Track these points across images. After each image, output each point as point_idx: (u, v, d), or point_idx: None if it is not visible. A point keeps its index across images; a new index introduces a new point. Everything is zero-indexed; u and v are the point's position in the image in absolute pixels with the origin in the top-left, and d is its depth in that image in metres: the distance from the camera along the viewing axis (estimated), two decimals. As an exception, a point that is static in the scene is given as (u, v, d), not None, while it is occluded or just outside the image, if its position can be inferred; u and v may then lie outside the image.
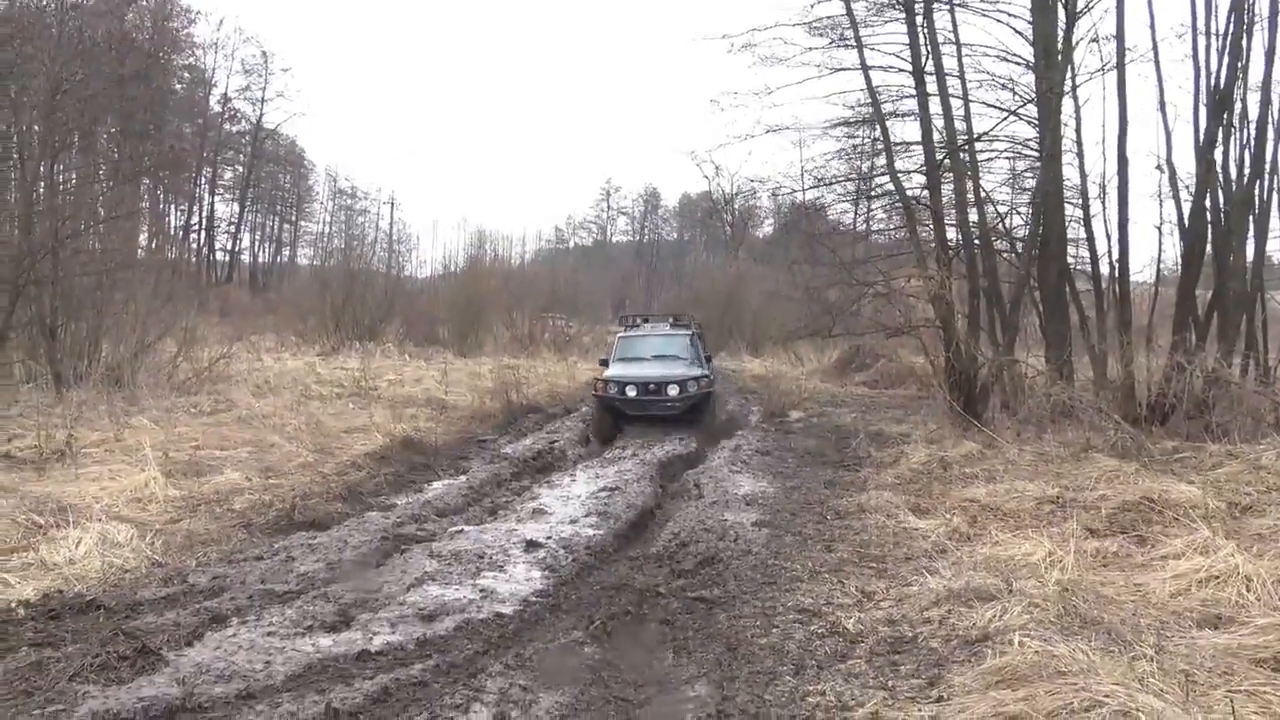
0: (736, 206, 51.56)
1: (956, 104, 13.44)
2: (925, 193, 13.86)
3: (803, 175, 31.59)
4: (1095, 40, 13.01)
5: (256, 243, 55.61)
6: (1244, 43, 11.48)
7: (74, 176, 18.68)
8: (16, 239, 13.32)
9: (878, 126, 14.41)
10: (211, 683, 4.03)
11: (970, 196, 13.30)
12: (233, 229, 52.49)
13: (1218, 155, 11.66)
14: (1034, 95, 13.17)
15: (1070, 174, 13.63)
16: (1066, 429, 10.22)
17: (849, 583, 5.49)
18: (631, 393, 12.71)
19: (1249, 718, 3.33)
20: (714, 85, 64.42)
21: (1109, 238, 12.84)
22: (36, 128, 14.62)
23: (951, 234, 13.57)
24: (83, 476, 7.95)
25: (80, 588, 5.34)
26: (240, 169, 52.01)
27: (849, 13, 13.14)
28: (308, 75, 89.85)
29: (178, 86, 44.88)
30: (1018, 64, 13.91)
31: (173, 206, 46.85)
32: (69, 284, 13.72)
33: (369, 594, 5.40)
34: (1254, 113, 11.68)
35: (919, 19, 12.93)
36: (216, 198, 51.13)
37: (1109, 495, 7.07)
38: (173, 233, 43.51)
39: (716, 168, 49.97)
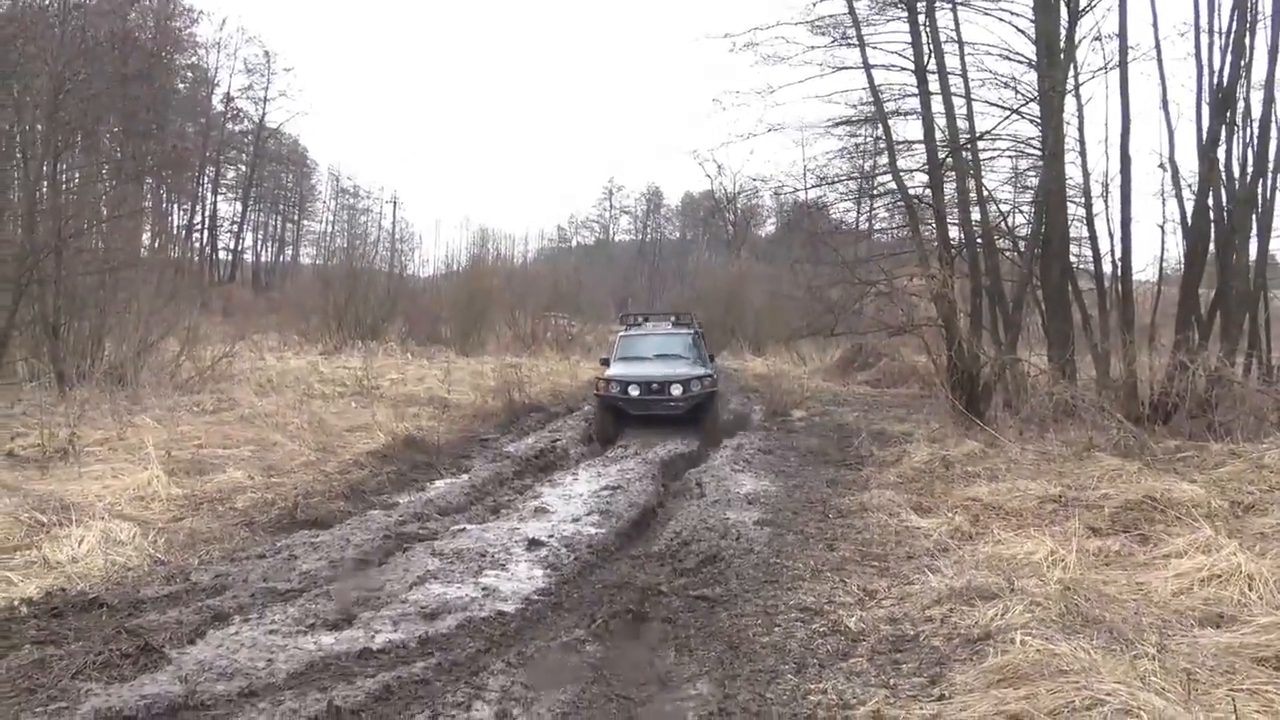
0: (739, 205, 51.57)
1: (959, 102, 13.47)
2: (927, 191, 13.85)
3: (805, 174, 31.76)
4: (1098, 38, 13.03)
5: (259, 242, 55.73)
6: (1247, 41, 11.48)
7: (77, 176, 18.71)
8: (20, 238, 13.33)
9: (880, 125, 14.42)
10: (214, 680, 4.03)
11: (973, 195, 13.31)
12: (235, 228, 52.63)
13: (1220, 153, 11.67)
14: (1036, 94, 13.16)
15: (1073, 172, 13.65)
16: (1069, 428, 10.21)
17: (851, 581, 5.49)
18: (634, 392, 12.65)
19: (1251, 716, 3.33)
20: (716, 84, 64.58)
21: (1111, 236, 12.86)
22: (39, 127, 14.63)
23: (954, 233, 13.58)
24: (85, 475, 7.96)
25: (83, 586, 5.35)
26: (243, 168, 52.06)
27: (851, 11, 13.14)
28: (310, 75, 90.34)
29: (180, 86, 44.91)
30: (1020, 62, 13.92)
31: (175, 206, 46.96)
32: (72, 283, 13.74)
33: (371, 592, 5.40)
34: (1257, 111, 11.71)
35: (921, 17, 12.93)
36: (219, 197, 51.29)
37: (1111, 494, 7.07)
38: (176, 232, 43.65)
39: (719, 167, 49.90)
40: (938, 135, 13.29)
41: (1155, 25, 12.09)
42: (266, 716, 3.71)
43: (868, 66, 13.32)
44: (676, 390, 12.68)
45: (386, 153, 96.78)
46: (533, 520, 7.61)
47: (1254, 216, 11.84)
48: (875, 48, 13.65)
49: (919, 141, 14.17)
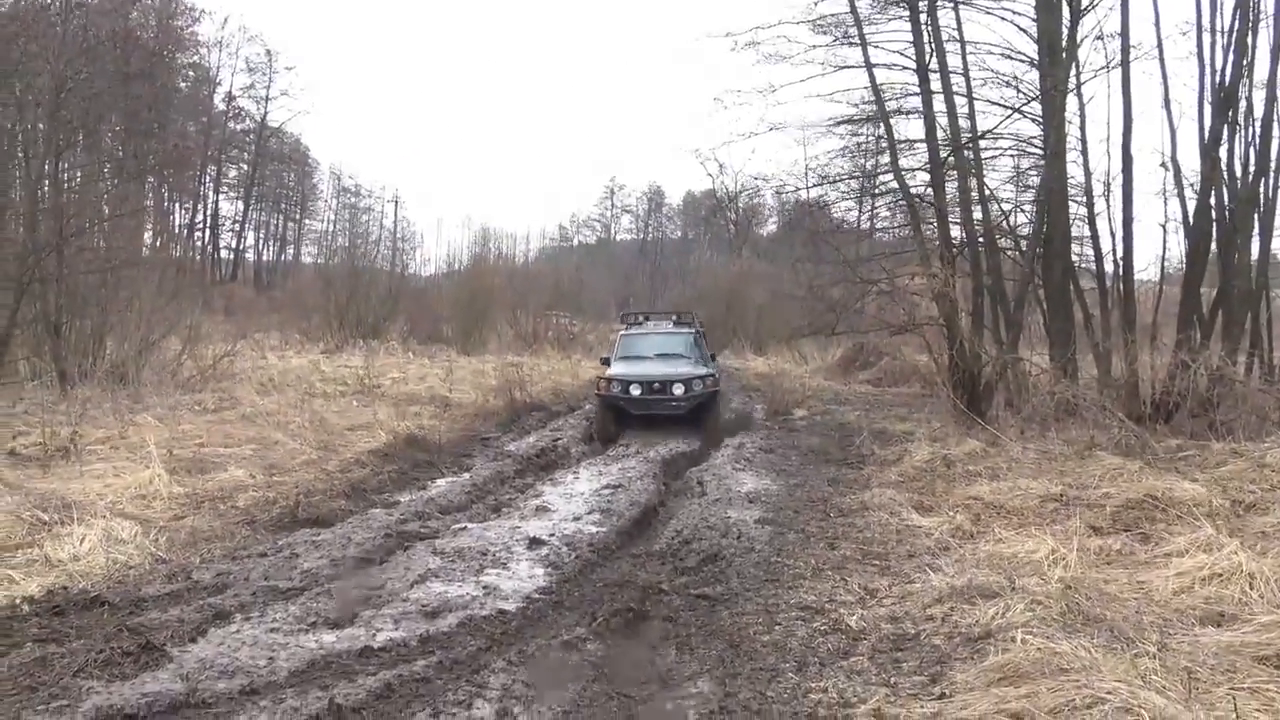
0: (740, 204, 51.55)
1: (960, 101, 13.46)
2: (929, 190, 13.85)
3: (806, 173, 31.75)
4: (1100, 38, 13.05)
5: (261, 241, 55.86)
6: (1249, 40, 11.47)
7: (79, 174, 18.70)
8: (21, 236, 13.34)
9: (881, 124, 14.41)
10: (215, 678, 4.04)
11: (974, 194, 13.31)
12: (237, 227, 52.76)
13: (1223, 153, 11.66)
14: (1038, 93, 13.15)
15: (1074, 172, 13.65)
16: (1070, 427, 10.21)
17: (852, 580, 5.49)
18: (636, 392, 12.61)
19: (1251, 715, 3.33)
20: (718, 83, 64.57)
21: (1113, 235, 12.86)
22: (41, 125, 14.63)
23: (955, 232, 13.58)
24: (87, 473, 7.97)
25: (85, 584, 5.36)
26: (244, 167, 52.16)
27: (853, 10, 13.14)
28: (312, 73, 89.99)
29: (182, 85, 44.99)
30: (1022, 61, 13.91)
31: (177, 205, 47.04)
32: (74, 282, 13.76)
33: (372, 591, 5.41)
34: (1259, 110, 11.69)
35: (923, 16, 12.92)
36: (221, 196, 51.43)
37: (1113, 493, 7.07)
38: (177, 231, 43.72)
39: (720, 166, 49.87)
40: (939, 134, 13.31)
41: (1157, 24, 12.11)
42: (268, 714, 3.71)
43: (869, 65, 13.33)
44: (678, 390, 12.63)
45: (388, 152, 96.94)
46: (534, 519, 7.62)
47: (1256, 215, 11.83)
48: (877, 46, 13.66)
49: (921, 140, 14.18)
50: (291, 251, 56.96)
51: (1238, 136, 11.87)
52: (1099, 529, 6.32)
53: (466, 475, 9.73)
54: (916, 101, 13.81)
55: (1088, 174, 13.38)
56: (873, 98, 13.84)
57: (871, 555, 6.11)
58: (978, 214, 13.33)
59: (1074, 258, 13.86)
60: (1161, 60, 12.00)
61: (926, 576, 5.30)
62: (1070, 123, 13.08)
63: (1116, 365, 11.72)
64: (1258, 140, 11.62)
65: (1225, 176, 11.71)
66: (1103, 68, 13.03)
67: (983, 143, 14.02)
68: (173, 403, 12.50)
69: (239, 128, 51.23)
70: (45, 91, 13.97)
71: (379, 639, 4.61)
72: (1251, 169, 11.70)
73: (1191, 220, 11.92)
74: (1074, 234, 13.95)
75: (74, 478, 7.80)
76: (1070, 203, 13.48)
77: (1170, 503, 6.59)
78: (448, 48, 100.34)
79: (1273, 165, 11.63)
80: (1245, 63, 11.50)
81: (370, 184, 68.20)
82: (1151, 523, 6.32)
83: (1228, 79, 11.45)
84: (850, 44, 13.73)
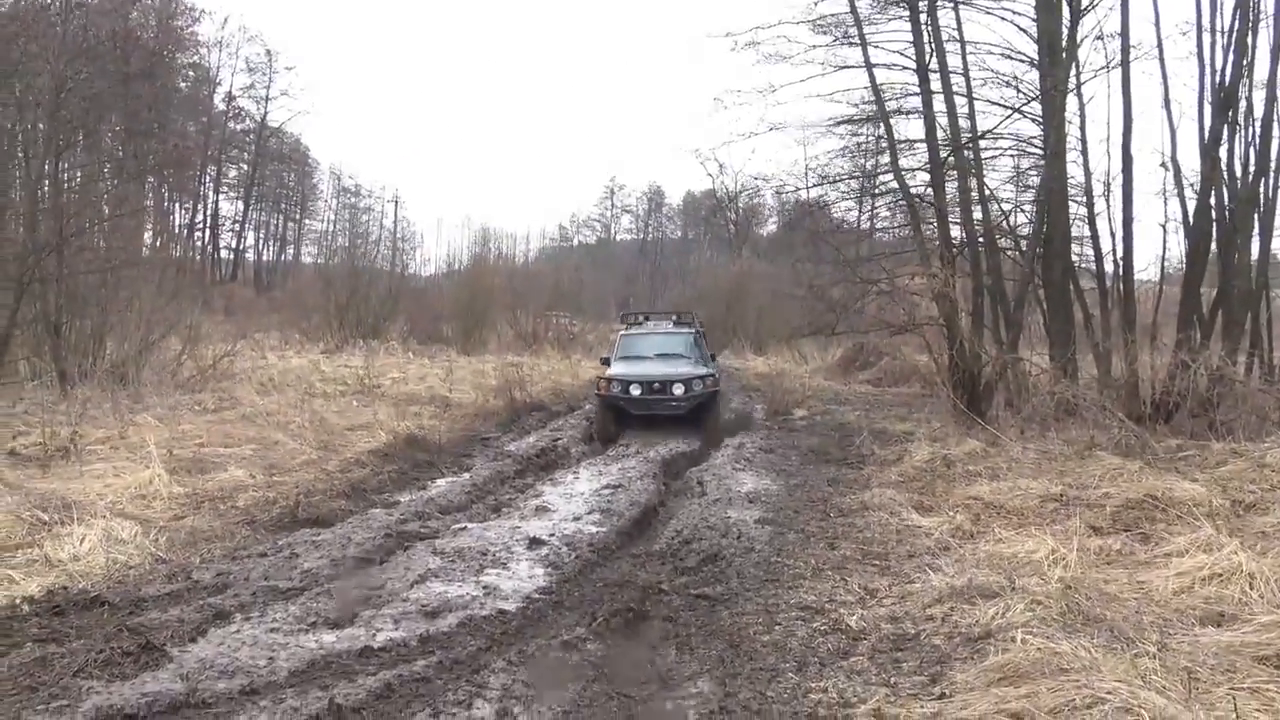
0: (740, 205, 51.60)
1: (960, 101, 13.46)
2: (929, 190, 13.85)
3: (807, 173, 31.78)
4: (1100, 38, 13.05)
5: (261, 241, 55.89)
6: (1249, 40, 11.47)
7: (79, 174, 18.69)
8: (21, 236, 13.33)
9: (881, 124, 14.42)
10: (215, 678, 4.04)
11: (974, 194, 13.30)
12: (237, 227, 52.78)
13: (1223, 153, 11.66)
14: (1038, 93, 13.15)
15: (1074, 172, 13.65)
16: (1070, 427, 10.21)
17: (852, 580, 5.49)
18: (636, 392, 12.57)
19: (1251, 715, 3.33)
20: (718, 83, 64.50)
21: (1113, 235, 12.86)
22: (41, 125, 14.62)
23: (955, 232, 13.57)
24: (87, 473, 7.97)
25: (85, 584, 5.36)
26: (244, 167, 52.18)
27: (853, 10, 13.15)
28: (312, 73, 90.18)
29: (182, 85, 45.00)
30: (1022, 61, 13.91)
31: (177, 205, 47.04)
32: (74, 282, 13.75)
33: (372, 591, 5.41)
34: (1259, 110, 11.69)
35: (923, 16, 12.92)
36: (221, 196, 51.46)
37: (1112, 493, 7.07)
38: (177, 231, 43.73)
39: (720, 166, 49.94)
40: (939, 134, 13.31)
41: (1157, 24, 12.11)
42: (268, 714, 3.71)
43: (869, 65, 13.33)
44: (678, 390, 12.59)
45: (388, 151, 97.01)
46: (534, 519, 7.62)
47: (1256, 215, 11.83)
48: (877, 46, 13.67)
49: (920, 140, 14.19)
50: (291, 251, 57.08)
51: (1238, 136, 11.88)
52: (1099, 529, 6.32)
53: (466, 475, 9.74)
54: (916, 101, 13.83)
55: (1088, 174, 13.41)
56: (873, 98, 13.84)
57: (871, 555, 6.11)
58: (978, 214, 13.33)
59: (1074, 258, 13.87)
60: (1161, 60, 12.02)
61: (926, 576, 5.30)
62: (1070, 123, 13.11)
63: (1116, 365, 11.72)
64: (1258, 140, 11.63)
65: (1225, 176, 11.71)
66: (1103, 68, 13.06)
67: (983, 143, 14.03)
68: (173, 403, 12.50)
69: (239, 128, 51.31)
70: (45, 91, 13.97)
71: (379, 639, 4.61)
72: (1251, 169, 11.70)
73: (1191, 220, 11.92)
74: (1074, 234, 13.97)
75: (74, 478, 7.80)
76: (1070, 203, 13.50)
77: (1170, 503, 6.59)
78: (447, 47, 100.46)
79: (1273, 165, 11.63)
80: (1245, 63, 11.50)
81: (370, 184, 68.31)
82: (1151, 523, 6.31)
83: (1228, 79, 11.45)
84: (850, 44, 13.75)
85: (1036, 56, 13.22)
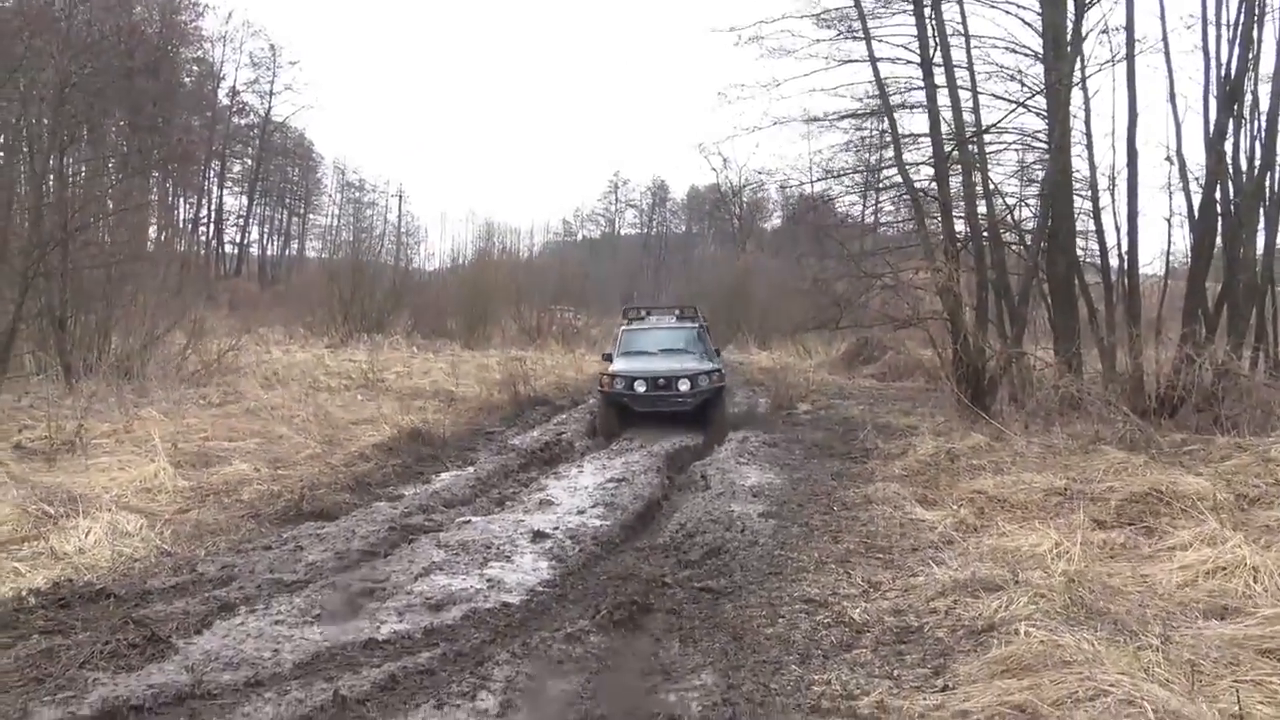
0: (744, 199, 51.56)
1: (965, 96, 13.43)
2: (933, 185, 13.82)
3: (811, 167, 31.74)
4: (1105, 31, 12.95)
5: (265, 235, 55.87)
6: (1255, 33, 11.43)
7: (83, 169, 18.71)
8: (26, 231, 13.36)
9: (886, 119, 14.41)
10: (220, 670, 4.06)
11: (979, 189, 13.28)
12: (241, 222, 52.78)
13: (1228, 147, 11.60)
14: (1043, 87, 13.13)
15: (1079, 166, 13.61)
16: (1075, 421, 10.19)
17: (855, 573, 5.50)
18: (640, 388, 12.41)
19: (1254, 708, 3.34)
20: (722, 77, 64.45)
21: (1118, 230, 12.81)
22: (45, 120, 14.66)
23: (960, 226, 13.57)
24: (92, 467, 8.00)
25: (90, 576, 5.38)
26: (249, 162, 52.20)
27: (857, 4, 13.14)
28: (315, 68, 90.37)
29: (186, 80, 45.07)
30: (1026, 55, 13.89)
31: (181, 199, 47.05)
32: (78, 276, 13.77)
33: (376, 583, 5.42)
34: (1265, 104, 11.61)
35: (927, 10, 12.90)
36: (225, 191, 51.45)
37: (1117, 487, 7.05)
38: (182, 225, 43.69)
39: (724, 160, 49.89)
40: (944, 128, 13.27)
41: (1162, 18, 12.05)
42: (273, 706, 3.73)
43: (873, 60, 13.31)
44: (684, 386, 12.43)
45: (392, 146, 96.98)
46: (538, 512, 7.63)
47: (1261, 209, 11.78)
48: (881, 41, 13.67)
49: (925, 135, 14.17)
50: (296, 246, 57.03)
51: (1243, 130, 11.83)
52: (1103, 523, 6.31)
53: (470, 469, 9.75)
54: (921, 96, 13.80)
55: (1092, 168, 13.35)
56: (877, 92, 13.85)
57: (875, 548, 6.12)
58: (982, 208, 13.29)
59: (1079, 252, 13.83)
60: (1167, 54, 11.96)
61: (930, 570, 5.31)
62: (1075, 117, 13.06)
63: (1121, 360, 11.69)
64: (1263, 134, 11.57)
65: (1230, 170, 11.67)
66: (1107, 61, 12.98)
67: (987, 137, 14.01)
68: (177, 397, 12.53)
69: (243, 122, 51.33)
70: (50, 86, 13.99)
71: (383, 631, 4.63)
72: (1257, 163, 11.65)
73: (1196, 214, 11.88)
74: (1079, 228, 13.91)
75: (79, 471, 7.83)
76: (1075, 197, 13.44)
77: (1174, 497, 6.58)
78: (451, 42, 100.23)
79: (1278, 159, 11.58)
80: (1251, 56, 11.45)
81: (374, 178, 68.53)
82: (1155, 517, 6.31)
83: (1233, 72, 11.40)
84: (854, 38, 13.75)
85: (1041, 50, 13.20)
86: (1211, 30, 11.68)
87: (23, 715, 3.57)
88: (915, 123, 24.59)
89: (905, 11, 13.51)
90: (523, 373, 17.01)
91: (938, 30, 12.84)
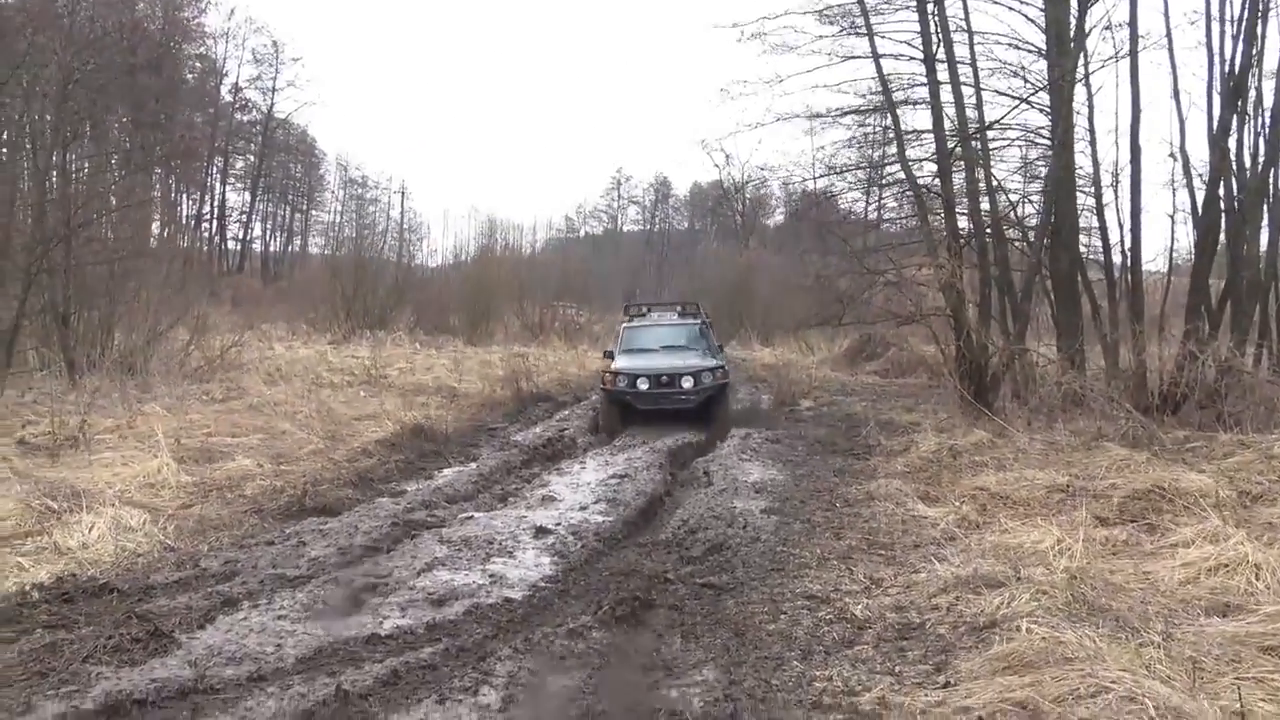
0: (747, 195, 51.51)
1: (968, 92, 13.39)
2: (936, 181, 13.78)
3: (814, 164, 31.60)
4: (1108, 27, 12.92)
5: (268, 232, 55.80)
6: (1259, 29, 11.41)
7: (86, 165, 18.73)
8: (29, 227, 13.38)
9: (889, 115, 14.35)
10: (223, 665, 4.07)
11: (982, 185, 13.24)
12: (244, 218, 52.74)
13: (1232, 143, 11.59)
14: (1046, 83, 13.09)
15: (1082, 162, 13.56)
16: (1077, 418, 10.18)
17: (857, 570, 5.50)
18: (643, 386, 12.36)
19: (1256, 705, 3.34)
20: (725, 73, 64.17)
21: (1121, 226, 12.79)
22: (48, 117, 14.67)
23: (963, 223, 13.53)
24: (96, 462, 8.02)
25: (93, 571, 5.40)
26: (251, 158, 52.16)
27: (859, 0, 13.09)
28: (318, 65, 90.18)
29: (189, 76, 45.09)
30: (1029, 51, 13.85)
31: (184, 196, 46.99)
32: (81, 272, 13.80)
33: (379, 579, 5.44)
34: (1269, 100, 11.62)
35: (930, 6, 12.87)
36: (228, 187, 51.44)
37: (1119, 484, 7.04)
38: (184, 222, 43.74)
39: (727, 156, 49.74)
40: (946, 125, 13.24)
41: (1166, 14, 12.04)
42: (275, 700, 3.74)
43: (876, 56, 13.28)
44: (687, 383, 12.37)
45: (394, 142, 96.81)
46: (540, 508, 7.64)
47: (1265, 206, 11.77)
48: (884, 37, 13.62)
49: (928, 131, 14.13)
50: (298, 242, 56.99)
51: (1247, 126, 11.82)
52: (1105, 520, 6.30)
53: (473, 465, 9.77)
54: (923, 92, 13.78)
55: (1096, 165, 13.33)
56: (880, 88, 13.80)
57: (877, 545, 6.12)
58: (985, 205, 13.27)
59: (1082, 249, 13.80)
60: (1170, 50, 11.94)
61: (932, 566, 5.31)
62: (1078, 113, 13.02)
63: (1124, 356, 11.67)
64: (1267, 130, 11.56)
65: (1234, 167, 11.66)
66: (1111, 58, 12.95)
67: (990, 133, 13.97)
68: (180, 393, 12.55)
69: (246, 119, 51.26)
70: (52, 83, 14.00)
71: (386, 626, 4.64)
72: (1261, 159, 11.64)
73: (1200, 211, 11.87)
74: (1082, 225, 13.90)
75: (83, 466, 7.85)
76: (1078, 193, 13.41)
77: (1177, 494, 6.57)
78: (454, 38, 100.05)
79: (1283, 155, 11.57)
80: (1255, 52, 11.44)
81: (377, 175, 68.26)
82: (1158, 514, 6.30)
83: (1237, 68, 11.38)
84: (857, 34, 13.71)
85: (1044, 46, 13.16)
86: (1215, 26, 11.70)
87: (26, 709, 3.58)
88: (918, 119, 24.45)
89: (908, 7, 13.49)
90: (525, 369, 17.04)
91: (940, 26, 12.83)
